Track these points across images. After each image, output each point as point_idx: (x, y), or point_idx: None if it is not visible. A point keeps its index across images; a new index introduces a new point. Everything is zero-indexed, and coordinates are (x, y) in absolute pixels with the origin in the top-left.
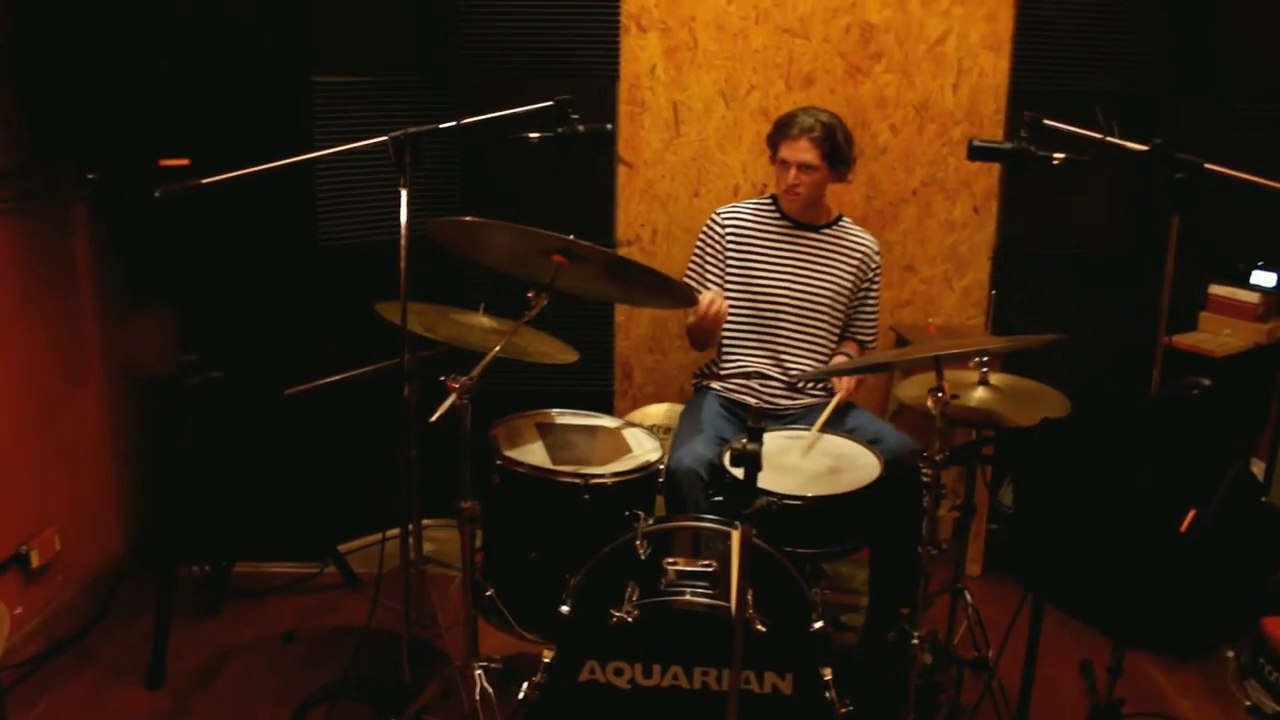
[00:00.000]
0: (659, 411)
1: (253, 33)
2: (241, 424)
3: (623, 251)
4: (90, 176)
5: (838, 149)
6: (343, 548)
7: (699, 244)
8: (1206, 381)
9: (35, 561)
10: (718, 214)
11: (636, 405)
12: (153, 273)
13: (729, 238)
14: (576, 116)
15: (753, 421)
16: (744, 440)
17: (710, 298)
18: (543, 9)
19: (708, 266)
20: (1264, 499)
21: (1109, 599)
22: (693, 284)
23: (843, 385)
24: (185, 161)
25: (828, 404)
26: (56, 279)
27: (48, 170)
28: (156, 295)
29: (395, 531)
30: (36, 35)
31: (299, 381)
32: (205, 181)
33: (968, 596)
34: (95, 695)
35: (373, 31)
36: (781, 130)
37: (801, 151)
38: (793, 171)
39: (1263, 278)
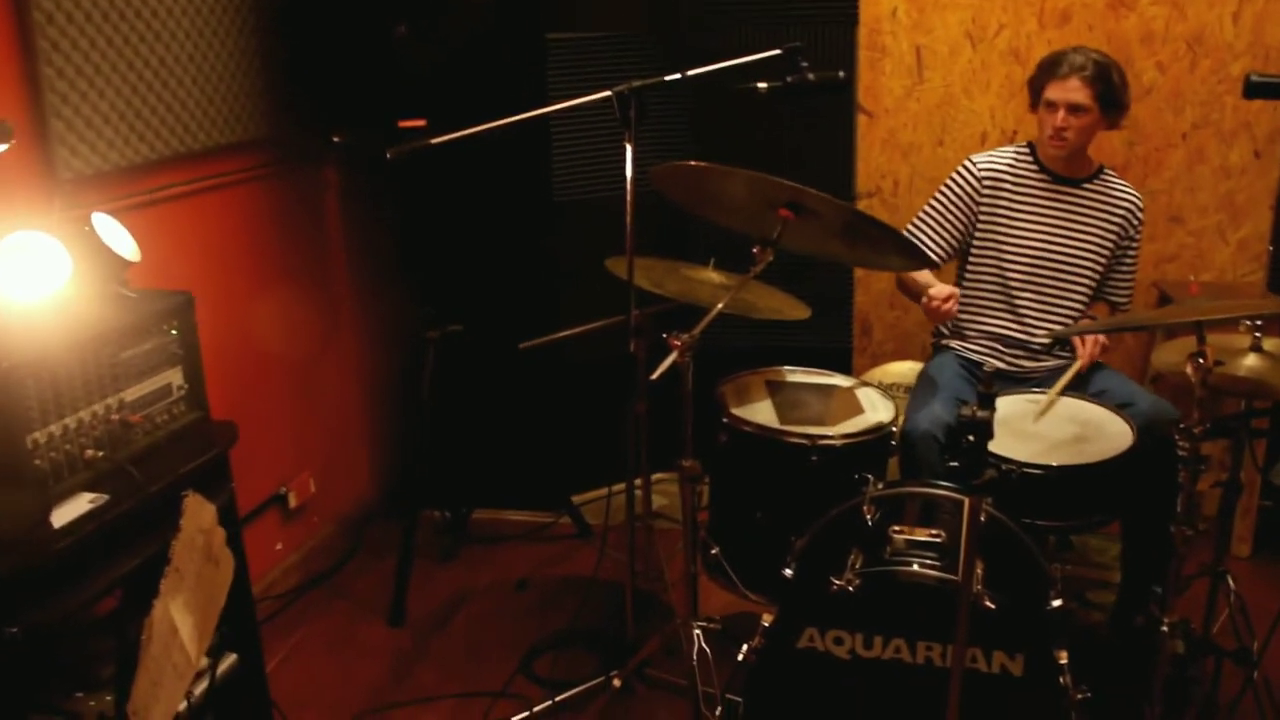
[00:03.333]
0: (899, 370)
1: None
2: (480, 376)
3: (863, 204)
4: (336, 139)
5: (1112, 90)
6: (577, 499)
7: (945, 190)
8: None
9: (293, 502)
10: (974, 161)
11: (876, 363)
12: (397, 230)
13: (985, 190)
14: (806, 64)
15: (984, 387)
16: (974, 406)
17: (948, 294)
18: None
19: (949, 218)
20: None
21: None
22: (922, 231)
23: (1085, 349)
24: (422, 122)
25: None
26: (311, 238)
27: (301, 135)
28: (401, 251)
29: (622, 486)
30: (292, 7)
31: (535, 334)
32: (434, 141)
33: (1230, 581)
34: (343, 629)
35: None
36: (1048, 70)
37: (1072, 91)
38: (1061, 113)
39: None
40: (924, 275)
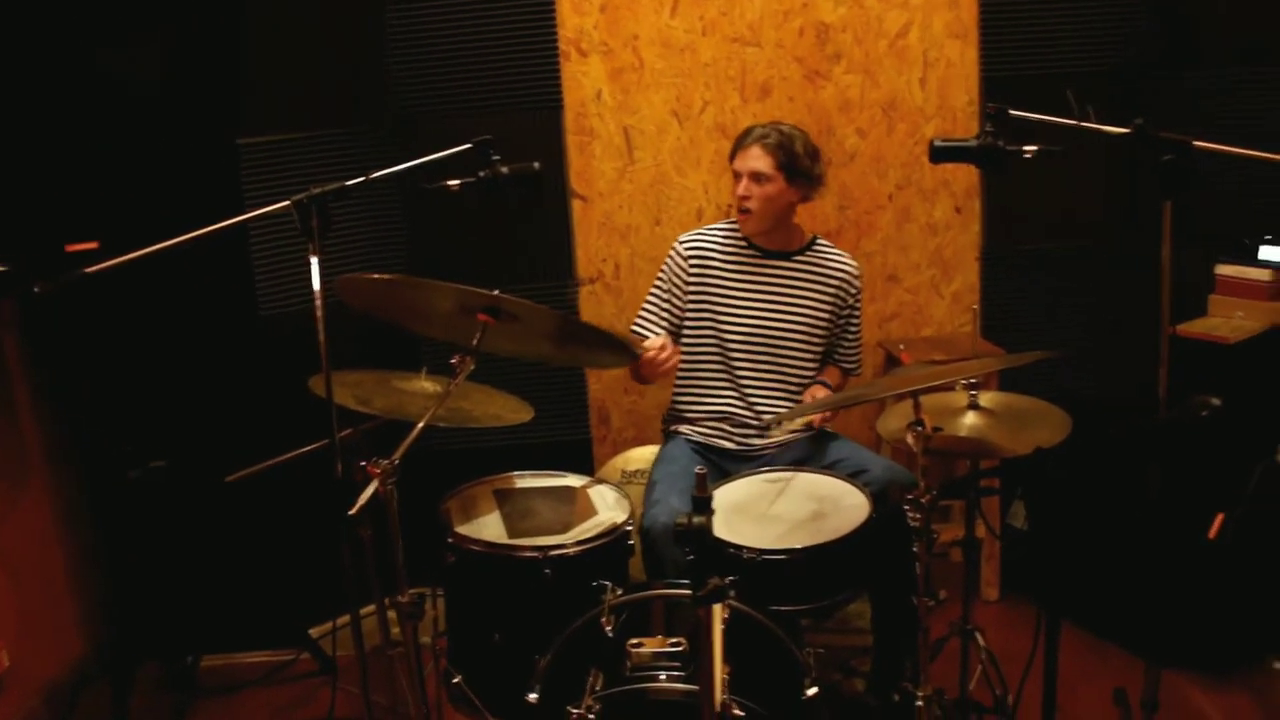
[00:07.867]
0: (642, 455)
1: (167, 102)
2: (193, 511)
3: (586, 290)
4: None
5: (795, 159)
6: (315, 631)
7: (659, 277)
8: (1217, 401)
9: None
10: (679, 242)
11: (618, 451)
12: (86, 362)
13: (691, 268)
14: (498, 157)
15: (699, 491)
16: (689, 514)
17: (661, 344)
18: (475, 42)
19: (664, 303)
20: None
21: (1138, 618)
22: (642, 322)
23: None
24: (93, 245)
25: (804, 440)
26: None
27: None
28: (93, 385)
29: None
30: None
31: (247, 463)
32: (88, 271)
33: (979, 638)
34: None
35: (301, 86)
36: (736, 143)
37: (753, 159)
38: (744, 181)
39: (1272, 253)
40: None
